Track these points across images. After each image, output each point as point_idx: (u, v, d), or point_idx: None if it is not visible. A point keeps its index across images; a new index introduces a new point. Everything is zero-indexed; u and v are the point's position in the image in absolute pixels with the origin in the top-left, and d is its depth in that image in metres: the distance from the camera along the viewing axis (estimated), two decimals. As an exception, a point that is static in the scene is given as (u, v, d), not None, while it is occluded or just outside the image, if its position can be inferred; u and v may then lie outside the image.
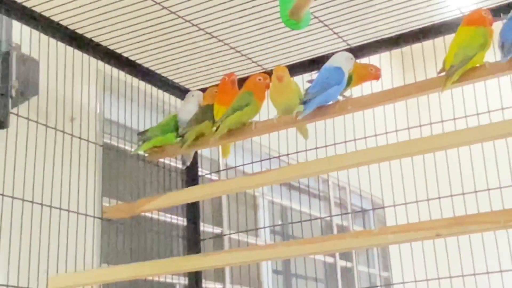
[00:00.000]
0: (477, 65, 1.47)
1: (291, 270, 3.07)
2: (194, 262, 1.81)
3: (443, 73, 1.47)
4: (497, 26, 1.50)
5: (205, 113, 1.81)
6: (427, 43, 1.99)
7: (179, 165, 2.30)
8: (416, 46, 2.02)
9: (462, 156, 2.23)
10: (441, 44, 1.84)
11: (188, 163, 2.18)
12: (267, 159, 2.65)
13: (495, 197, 2.06)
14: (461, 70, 1.45)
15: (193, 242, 2.21)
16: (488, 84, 1.66)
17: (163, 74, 2.14)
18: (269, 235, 2.93)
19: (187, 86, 2.20)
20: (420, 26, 1.93)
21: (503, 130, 1.33)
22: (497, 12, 1.72)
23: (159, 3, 1.78)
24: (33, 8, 1.74)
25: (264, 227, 2.88)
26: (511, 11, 1.51)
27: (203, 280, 2.24)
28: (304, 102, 1.59)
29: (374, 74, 1.72)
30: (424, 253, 2.77)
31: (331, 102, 1.60)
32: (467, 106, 2.06)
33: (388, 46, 2.03)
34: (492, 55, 1.47)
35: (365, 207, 3.61)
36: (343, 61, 1.64)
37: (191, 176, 2.26)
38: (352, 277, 3.35)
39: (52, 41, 1.87)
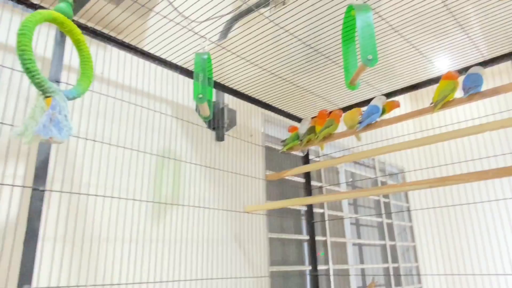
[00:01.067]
0: (450, 99, 1.49)
1: (358, 203, 3.06)
2: (309, 200, 1.93)
3: (432, 104, 1.51)
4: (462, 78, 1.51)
5: (311, 129, 1.85)
6: (424, 88, 1.96)
7: (300, 154, 2.34)
8: (419, 90, 2.00)
9: (445, 145, 2.19)
10: (431, 89, 1.84)
11: (305, 153, 2.29)
12: (342, 150, 2.70)
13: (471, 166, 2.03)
14: (441, 103, 1.48)
15: (308, 190, 2.23)
16: (458, 109, 1.65)
17: (290, 112, 2.19)
18: (345, 187, 2.95)
19: (300, 116, 2.25)
20: (420, 80, 1.91)
21: (469, 131, 1.37)
22: (461, 70, 1.71)
23: (291, 81, 1.91)
24: (231, 86, 1.84)
25: (342, 183, 2.88)
26: (469, 71, 1.50)
27: (313, 208, 2.27)
28: (359, 122, 1.66)
29: (397, 104, 1.73)
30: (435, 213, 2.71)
31: (373, 122, 1.65)
32: (446, 120, 2.03)
33: (403, 92, 2.00)
34: (459, 94, 1.48)
35: (394, 171, 3.51)
36: (379, 102, 1.68)
37: (306, 159, 2.27)
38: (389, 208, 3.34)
39: (240, 101, 2.00)
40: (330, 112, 1.87)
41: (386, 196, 3.25)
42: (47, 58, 1.28)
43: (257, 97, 2.00)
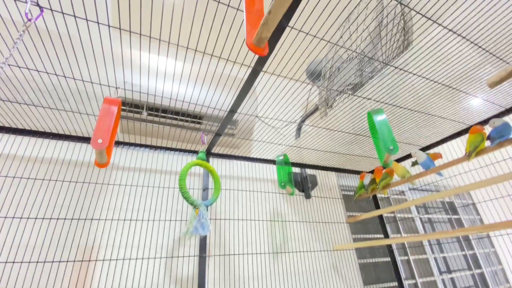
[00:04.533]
0: (482, 148, 1.18)
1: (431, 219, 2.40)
2: (387, 241, 1.62)
3: (466, 154, 1.21)
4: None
5: (373, 181, 1.63)
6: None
7: (370, 198, 2.09)
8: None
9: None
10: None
11: (370, 198, 2.02)
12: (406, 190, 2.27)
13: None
14: (474, 152, 1.17)
15: (382, 224, 1.91)
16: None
17: (354, 169, 1.92)
18: (416, 212, 2.37)
19: (364, 170, 2.00)
20: (450, 134, 1.56)
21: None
22: (484, 122, 1.35)
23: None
24: (308, 163, 1.77)
25: (415, 216, 2.32)
26: (490, 122, 1.19)
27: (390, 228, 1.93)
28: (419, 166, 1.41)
29: (439, 155, 1.41)
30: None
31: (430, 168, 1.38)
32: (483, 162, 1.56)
33: (435, 145, 1.66)
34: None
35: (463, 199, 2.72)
36: (424, 155, 1.42)
37: (375, 200, 1.95)
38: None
39: (316, 170, 1.92)
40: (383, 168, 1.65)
41: (455, 213, 2.55)
42: (201, 174, 1.48)
43: (327, 165, 1.88)
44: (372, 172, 1.96)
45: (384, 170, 1.62)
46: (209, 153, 1.46)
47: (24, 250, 0.97)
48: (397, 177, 1.53)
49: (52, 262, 0.98)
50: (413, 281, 1.95)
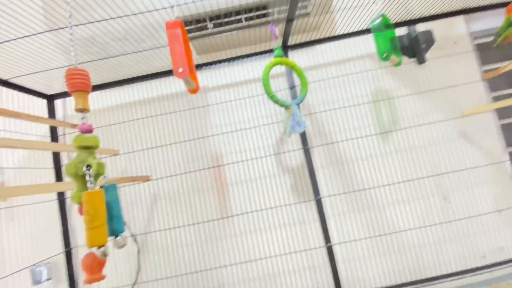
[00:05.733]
0: None
1: None
2: None
3: None
4: None
5: None
6: None
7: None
8: None
9: None
10: None
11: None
12: None
13: None
14: None
15: None
16: None
17: (492, 3, 1.34)
18: None
19: (506, 1, 1.32)
20: None
21: None
22: None
23: None
24: (417, 18, 1.35)
25: None
26: None
27: None
28: None
29: None
30: None
31: None
32: None
33: None
34: None
35: None
36: None
37: None
38: None
39: (431, 23, 1.42)
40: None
41: None
42: (284, 73, 1.40)
43: (449, 10, 1.35)
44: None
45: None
46: (286, 47, 1.31)
47: (174, 166, 1.30)
48: None
49: (195, 171, 1.29)
50: None
